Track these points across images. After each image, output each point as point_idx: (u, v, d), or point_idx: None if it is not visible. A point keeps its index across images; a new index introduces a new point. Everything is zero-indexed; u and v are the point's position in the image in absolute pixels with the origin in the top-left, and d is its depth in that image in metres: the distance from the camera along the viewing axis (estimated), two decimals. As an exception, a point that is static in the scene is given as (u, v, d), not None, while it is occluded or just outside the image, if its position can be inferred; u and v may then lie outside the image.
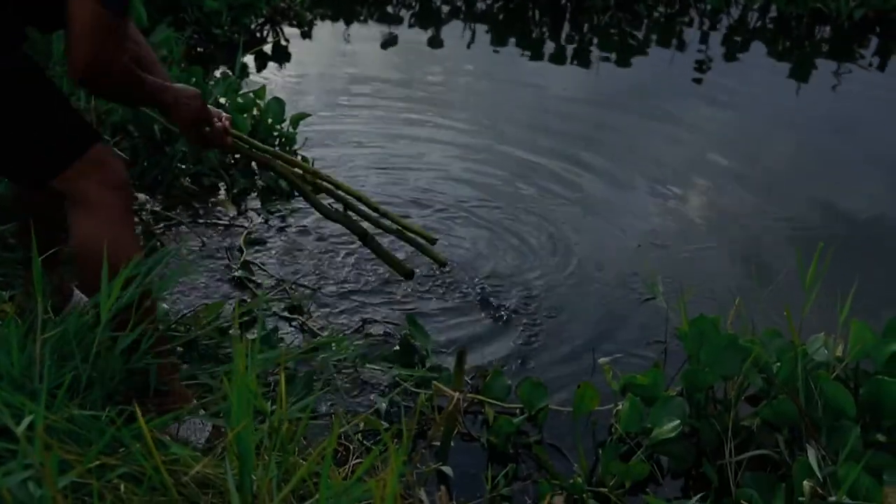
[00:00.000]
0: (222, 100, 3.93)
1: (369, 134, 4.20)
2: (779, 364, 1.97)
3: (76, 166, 1.94)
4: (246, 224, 3.31)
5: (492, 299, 2.80)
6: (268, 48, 5.40)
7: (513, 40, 5.75)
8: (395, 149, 4.06)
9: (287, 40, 5.56)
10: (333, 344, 2.30)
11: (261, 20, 5.67)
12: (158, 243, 3.10)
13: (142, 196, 3.36)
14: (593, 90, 4.91)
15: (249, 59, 5.23)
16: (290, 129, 3.89)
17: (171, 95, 2.11)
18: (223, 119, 2.29)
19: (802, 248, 2.96)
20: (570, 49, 5.57)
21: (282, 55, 5.25)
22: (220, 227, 3.27)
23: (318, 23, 5.90)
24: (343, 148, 4.02)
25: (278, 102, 3.88)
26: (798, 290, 1.93)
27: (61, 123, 2.00)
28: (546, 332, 2.62)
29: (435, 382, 2.07)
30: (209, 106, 2.19)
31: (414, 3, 6.25)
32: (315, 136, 4.01)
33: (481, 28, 5.91)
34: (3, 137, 1.94)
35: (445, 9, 6.19)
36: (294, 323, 2.60)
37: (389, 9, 6.22)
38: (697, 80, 5.12)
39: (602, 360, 2.25)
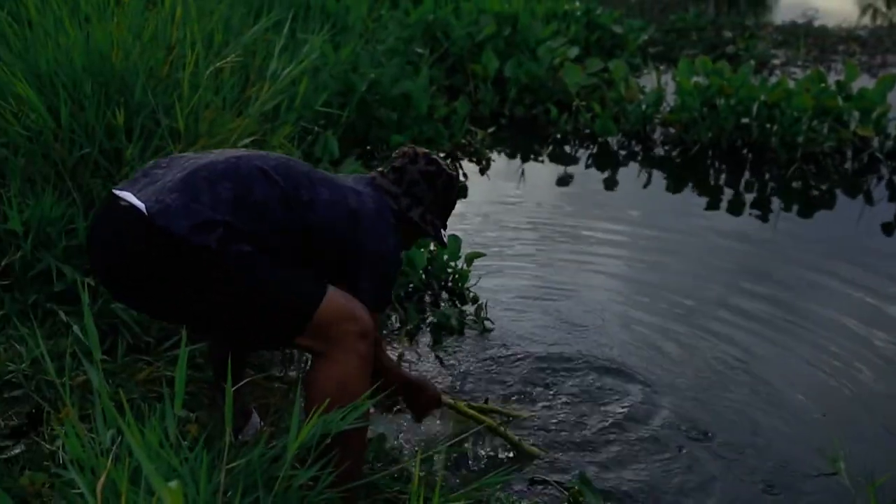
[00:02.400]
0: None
1: (541, 275, 4.24)
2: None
3: (311, 326, 2.07)
4: (415, 360, 3.38)
5: (659, 459, 2.72)
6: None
7: (689, 187, 5.72)
8: (566, 288, 4.08)
9: (465, 176, 5.74)
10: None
11: (441, 154, 5.89)
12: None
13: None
14: (772, 242, 4.78)
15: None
16: (465, 267, 3.97)
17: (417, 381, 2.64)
18: None
19: None
20: (748, 199, 5.48)
21: (459, 191, 5.42)
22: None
23: (496, 159, 6.06)
24: (514, 288, 4.07)
25: (454, 240, 3.97)
26: None
27: (288, 287, 2.09)
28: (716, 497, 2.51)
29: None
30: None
31: (591, 145, 6.34)
32: (488, 275, 4.08)
33: (658, 173, 5.92)
34: (235, 313, 2.06)
35: (622, 153, 6.25)
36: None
37: (567, 148, 6.33)
38: (887, 239, 4.90)
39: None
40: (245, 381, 2.34)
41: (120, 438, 1.80)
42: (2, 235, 3.06)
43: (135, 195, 2.03)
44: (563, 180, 5.79)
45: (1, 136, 3.32)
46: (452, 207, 2.56)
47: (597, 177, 5.88)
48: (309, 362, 2.38)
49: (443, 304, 3.88)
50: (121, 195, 2.05)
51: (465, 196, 5.36)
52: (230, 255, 1.98)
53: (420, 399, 2.63)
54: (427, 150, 2.50)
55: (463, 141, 5.95)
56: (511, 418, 2.90)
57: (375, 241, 2.21)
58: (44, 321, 2.87)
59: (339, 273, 2.24)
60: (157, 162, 2.21)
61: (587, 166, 6.05)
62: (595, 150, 6.27)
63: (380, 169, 2.48)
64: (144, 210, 1.97)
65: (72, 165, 3.27)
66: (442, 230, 2.52)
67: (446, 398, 2.75)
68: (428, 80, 6.10)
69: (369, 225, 2.21)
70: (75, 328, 2.72)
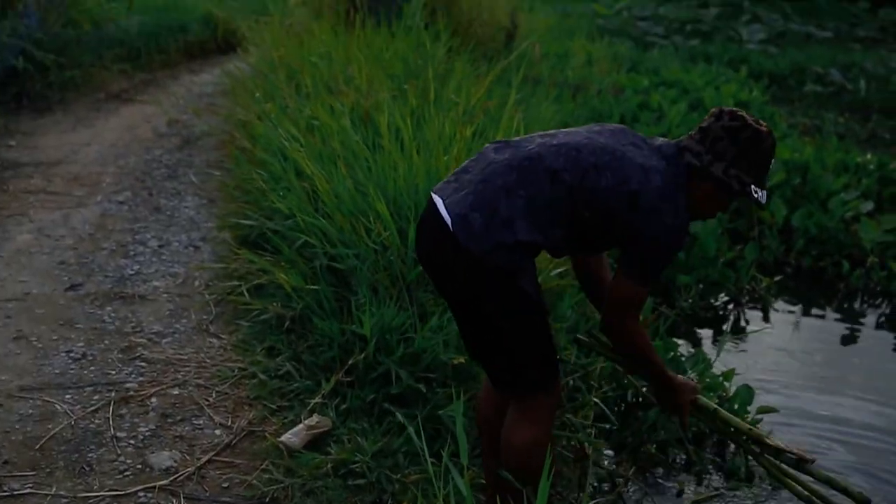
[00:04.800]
0: (692, 374, 4.13)
1: (832, 437, 4.13)
2: None
3: (545, 393, 2.55)
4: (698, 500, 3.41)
5: None
6: (727, 325, 5.60)
7: None
8: (858, 452, 3.95)
9: (748, 322, 5.71)
10: None
11: (724, 298, 5.91)
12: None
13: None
14: None
15: (709, 333, 5.45)
16: (753, 420, 3.96)
17: (677, 381, 2.74)
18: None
19: None
20: None
21: (741, 336, 5.40)
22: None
23: (780, 308, 5.99)
24: (803, 446, 3.99)
25: (748, 391, 3.99)
26: None
27: (551, 354, 2.59)
28: None
29: None
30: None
31: (884, 304, 6.12)
32: (778, 432, 4.03)
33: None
34: (506, 349, 2.53)
35: (921, 315, 5.99)
36: None
37: (857, 305, 6.15)
38: None
39: None
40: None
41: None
42: (349, 337, 3.47)
43: (444, 203, 2.47)
44: (851, 338, 5.62)
45: (353, 248, 3.78)
46: (766, 162, 2.52)
47: (888, 339, 5.66)
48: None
49: (728, 453, 3.89)
50: (435, 200, 2.50)
51: (743, 338, 5.32)
52: (519, 291, 2.42)
53: (665, 401, 2.82)
54: (734, 108, 2.54)
55: (748, 286, 5.94)
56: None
57: (653, 225, 2.41)
58: (380, 419, 3.20)
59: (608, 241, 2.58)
60: (469, 161, 2.63)
61: (878, 326, 5.83)
62: (888, 311, 6.03)
63: (690, 132, 2.59)
64: (450, 226, 2.42)
65: (411, 281, 3.65)
66: (756, 188, 2.50)
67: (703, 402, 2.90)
68: (716, 223, 6.17)
69: (648, 206, 2.40)
70: (410, 429, 3.01)
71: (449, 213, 2.44)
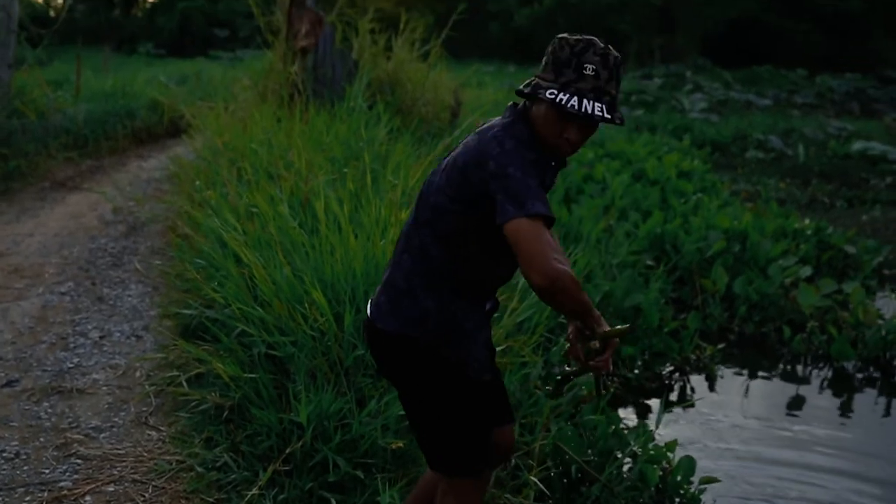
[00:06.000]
0: (635, 447, 4.15)
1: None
2: None
3: (470, 480, 2.53)
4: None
5: None
6: (674, 395, 5.64)
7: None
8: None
9: (693, 390, 5.76)
10: None
11: (669, 368, 5.97)
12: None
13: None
14: None
15: (656, 404, 5.48)
16: (697, 490, 3.98)
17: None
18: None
19: None
20: None
21: (687, 405, 5.44)
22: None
23: (725, 375, 6.06)
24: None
25: (690, 462, 4.01)
26: None
27: (479, 437, 2.53)
28: None
29: None
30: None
31: (825, 368, 6.21)
32: (723, 500, 4.05)
33: (897, 402, 5.72)
34: (431, 428, 2.53)
35: (860, 377, 6.08)
36: None
37: (799, 370, 6.24)
38: None
39: None
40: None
41: None
42: (286, 425, 3.45)
43: (372, 298, 2.60)
44: (796, 403, 5.69)
45: (290, 335, 3.78)
46: (569, 64, 2.32)
47: (832, 402, 5.73)
48: None
49: (675, 525, 3.89)
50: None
51: (692, 407, 5.36)
52: (442, 363, 2.43)
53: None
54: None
55: (693, 355, 6.01)
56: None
57: (480, 166, 2.28)
58: (318, 509, 3.17)
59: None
60: None
61: (821, 390, 5.92)
62: (830, 374, 6.13)
63: None
64: (369, 316, 2.54)
65: (349, 365, 3.66)
66: (553, 91, 2.30)
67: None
68: (659, 294, 6.27)
69: (470, 159, 2.32)
70: (347, 518, 2.99)
71: (371, 305, 2.57)
